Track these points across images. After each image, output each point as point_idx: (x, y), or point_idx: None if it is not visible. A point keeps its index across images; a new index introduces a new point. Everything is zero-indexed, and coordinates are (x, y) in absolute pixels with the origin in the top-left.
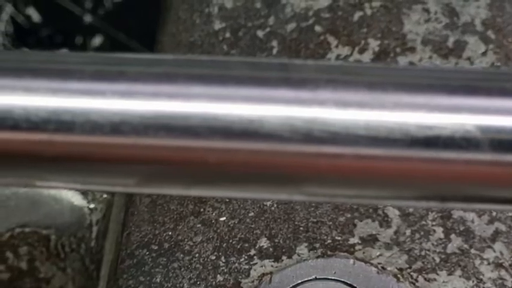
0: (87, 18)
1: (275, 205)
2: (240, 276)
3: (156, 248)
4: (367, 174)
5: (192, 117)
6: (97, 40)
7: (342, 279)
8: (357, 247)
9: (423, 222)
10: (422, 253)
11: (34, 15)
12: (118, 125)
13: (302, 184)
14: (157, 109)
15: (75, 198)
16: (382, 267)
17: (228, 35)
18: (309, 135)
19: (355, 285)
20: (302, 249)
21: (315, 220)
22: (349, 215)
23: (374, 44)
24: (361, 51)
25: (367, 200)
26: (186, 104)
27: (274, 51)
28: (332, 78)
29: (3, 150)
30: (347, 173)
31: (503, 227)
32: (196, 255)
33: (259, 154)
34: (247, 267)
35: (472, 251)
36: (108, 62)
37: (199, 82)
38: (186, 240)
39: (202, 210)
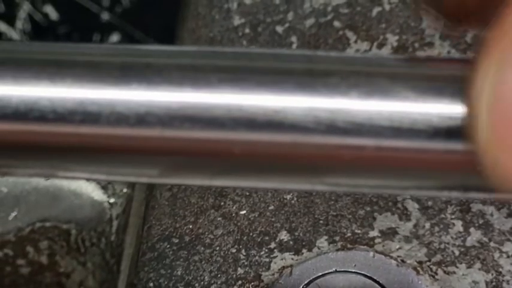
0: (105, 16)
1: (295, 198)
2: (261, 269)
3: (176, 241)
4: (390, 165)
5: (217, 109)
6: (114, 38)
7: (362, 272)
8: (377, 240)
9: (442, 216)
10: (442, 246)
11: (52, 13)
12: (143, 116)
13: (325, 175)
14: (183, 100)
15: (95, 193)
16: (402, 260)
17: (247, 30)
18: (332, 126)
19: (375, 277)
20: (322, 242)
21: (334, 213)
22: (368, 209)
23: (392, 39)
24: (380, 46)
25: (389, 190)
26: (211, 96)
27: (294, 46)
28: (355, 69)
29: (29, 142)
30: (370, 164)
31: None
32: (217, 248)
33: (283, 145)
34: (267, 260)
35: (491, 244)
36: (134, 54)
37: (224, 73)
38: (206, 233)
39: (222, 203)
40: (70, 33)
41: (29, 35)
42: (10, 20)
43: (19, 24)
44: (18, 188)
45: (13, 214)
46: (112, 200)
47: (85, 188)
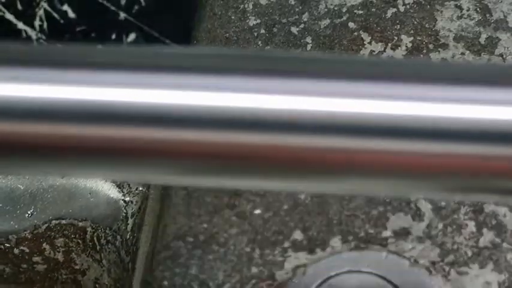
0: (122, 16)
1: (309, 198)
2: (274, 268)
3: (191, 240)
4: (415, 169)
5: (245, 112)
6: (131, 37)
7: (375, 272)
8: (390, 240)
9: (455, 216)
10: (455, 247)
11: (69, 11)
12: (165, 118)
13: (344, 178)
14: (207, 104)
15: (111, 191)
16: (415, 260)
17: (262, 31)
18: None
19: (388, 277)
20: (335, 241)
21: (348, 213)
22: (382, 209)
23: (407, 41)
24: (394, 47)
25: (408, 194)
26: (237, 98)
27: (309, 47)
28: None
29: (48, 143)
30: (399, 167)
31: None
32: (232, 247)
33: (309, 149)
34: (281, 259)
35: (504, 245)
36: (159, 55)
37: (251, 76)
38: (221, 232)
39: (237, 203)
40: (87, 32)
41: (47, 33)
42: (28, 18)
43: (37, 22)
44: (35, 186)
45: (29, 211)
46: (127, 198)
47: (101, 186)
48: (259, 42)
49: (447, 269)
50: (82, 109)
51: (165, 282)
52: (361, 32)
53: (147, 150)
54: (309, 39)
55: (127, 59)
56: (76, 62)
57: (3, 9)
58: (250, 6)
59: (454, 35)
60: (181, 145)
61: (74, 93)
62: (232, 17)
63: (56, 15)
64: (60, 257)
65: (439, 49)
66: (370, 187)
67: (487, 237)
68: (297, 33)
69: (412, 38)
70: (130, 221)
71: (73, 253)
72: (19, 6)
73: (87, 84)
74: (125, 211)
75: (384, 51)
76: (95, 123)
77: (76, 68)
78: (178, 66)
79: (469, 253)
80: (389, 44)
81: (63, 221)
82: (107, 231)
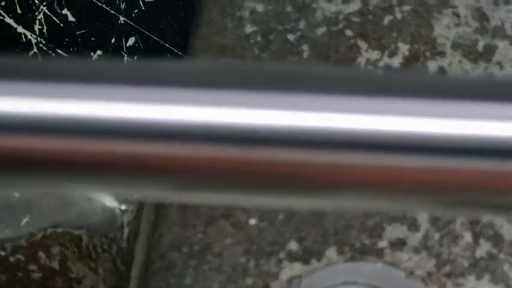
0: (121, 20)
1: (304, 209)
2: (270, 279)
3: (186, 250)
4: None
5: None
6: (131, 40)
7: (371, 283)
8: (386, 251)
9: (452, 227)
10: (451, 257)
11: (69, 15)
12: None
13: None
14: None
15: (107, 200)
16: (411, 272)
17: (259, 38)
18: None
19: None
20: (331, 252)
21: (344, 224)
22: (378, 219)
23: (404, 48)
24: (391, 55)
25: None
26: (254, 114)
27: (305, 54)
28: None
29: (52, 158)
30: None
31: None
32: (226, 257)
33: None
34: (276, 270)
35: (501, 255)
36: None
37: (272, 91)
38: (216, 242)
39: (232, 213)
40: (87, 36)
41: (46, 37)
42: (28, 22)
43: (37, 26)
44: (31, 194)
45: (25, 220)
46: (123, 207)
47: (97, 194)
48: (256, 50)
49: (443, 280)
50: (74, 124)
51: None
52: (357, 39)
53: (139, 166)
54: (305, 47)
55: (121, 73)
56: (73, 75)
57: (3, 13)
58: (247, 14)
59: (451, 42)
60: (174, 160)
61: (68, 107)
62: (229, 24)
63: (55, 19)
64: (56, 265)
65: (436, 57)
66: (367, 203)
67: (484, 248)
68: (293, 40)
69: (409, 46)
70: (126, 230)
71: (69, 261)
72: (19, 10)
73: (79, 98)
74: (120, 220)
75: (381, 59)
76: (87, 138)
77: (72, 81)
78: (171, 81)
79: (466, 264)
80: (386, 52)
81: (59, 229)
82: (102, 239)
